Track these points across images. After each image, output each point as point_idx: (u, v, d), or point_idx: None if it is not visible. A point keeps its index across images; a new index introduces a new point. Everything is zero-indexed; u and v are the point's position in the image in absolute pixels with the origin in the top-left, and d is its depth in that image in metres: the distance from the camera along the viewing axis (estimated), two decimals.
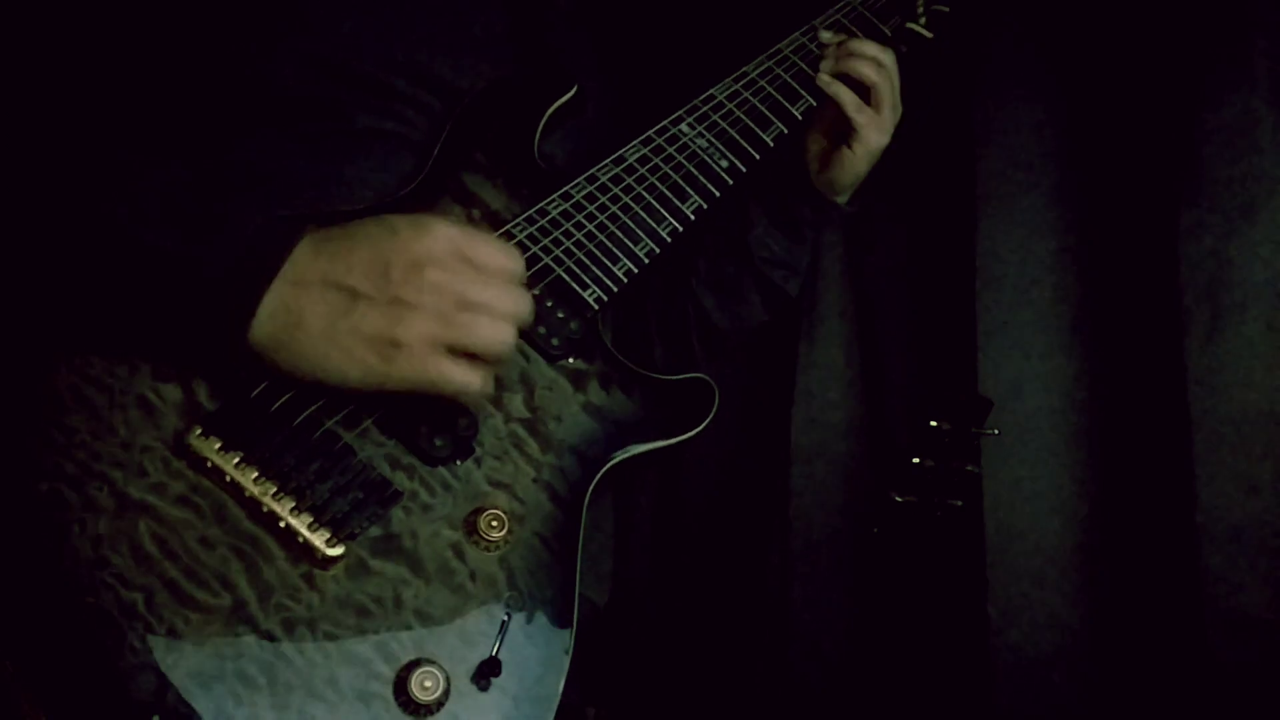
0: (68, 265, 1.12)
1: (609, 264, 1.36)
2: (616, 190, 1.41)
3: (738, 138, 1.50)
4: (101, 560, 1.04)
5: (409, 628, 1.12)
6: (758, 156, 1.50)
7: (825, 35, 1.57)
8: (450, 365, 1.12)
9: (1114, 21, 1.90)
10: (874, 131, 1.52)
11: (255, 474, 1.11)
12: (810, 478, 2.07)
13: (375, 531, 1.15)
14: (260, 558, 1.10)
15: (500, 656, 1.13)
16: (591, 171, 1.41)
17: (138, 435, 1.10)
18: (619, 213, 1.40)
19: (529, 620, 1.17)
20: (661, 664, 2.12)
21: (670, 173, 1.45)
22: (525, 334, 1.28)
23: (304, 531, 1.10)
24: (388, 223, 1.14)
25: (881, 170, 1.59)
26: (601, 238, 1.37)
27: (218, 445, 1.11)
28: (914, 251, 2.10)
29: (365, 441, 1.18)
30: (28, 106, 1.22)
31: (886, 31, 1.63)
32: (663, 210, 1.42)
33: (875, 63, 1.51)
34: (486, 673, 1.12)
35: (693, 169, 1.46)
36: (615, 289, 1.35)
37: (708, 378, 1.36)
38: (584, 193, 1.39)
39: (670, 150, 1.46)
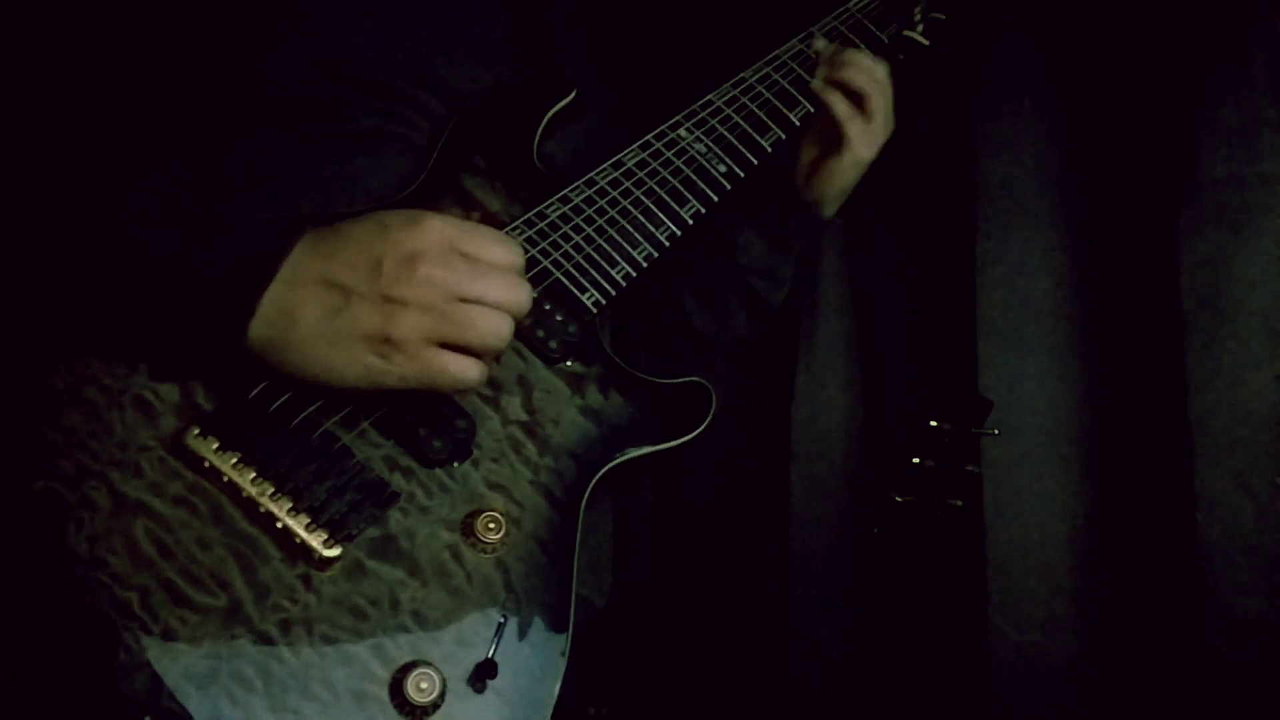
0: (67, 265, 1.12)
1: (607, 268, 1.36)
2: (615, 194, 1.41)
3: (736, 143, 1.50)
4: (97, 559, 1.04)
5: (405, 629, 1.12)
6: (756, 162, 1.50)
7: (819, 44, 1.57)
8: (445, 360, 1.12)
9: (1114, 22, 1.90)
10: (864, 143, 1.52)
11: (253, 474, 1.11)
12: (810, 478, 2.07)
13: (372, 533, 1.15)
14: (257, 558, 1.10)
15: (496, 659, 1.13)
16: (590, 175, 1.41)
17: (135, 435, 1.11)
18: (617, 216, 1.40)
19: (525, 623, 1.17)
20: (661, 664, 2.12)
21: (669, 177, 1.45)
22: (523, 336, 1.29)
23: (301, 532, 1.11)
24: (380, 219, 1.15)
25: (874, 179, 1.59)
26: (600, 241, 1.37)
27: (215, 445, 1.11)
28: (914, 252, 2.10)
29: (363, 442, 1.18)
30: (28, 107, 1.22)
31: (884, 38, 1.63)
32: (661, 215, 1.42)
33: (869, 73, 1.51)
34: (482, 675, 1.12)
35: (691, 174, 1.46)
36: (613, 292, 1.35)
37: (705, 382, 1.36)
38: (583, 196, 1.39)
39: (669, 155, 1.46)
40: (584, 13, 1.61)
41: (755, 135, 1.51)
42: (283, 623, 1.08)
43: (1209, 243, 1.79)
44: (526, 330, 1.28)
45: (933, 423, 1.71)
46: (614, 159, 1.44)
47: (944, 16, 1.68)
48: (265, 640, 1.07)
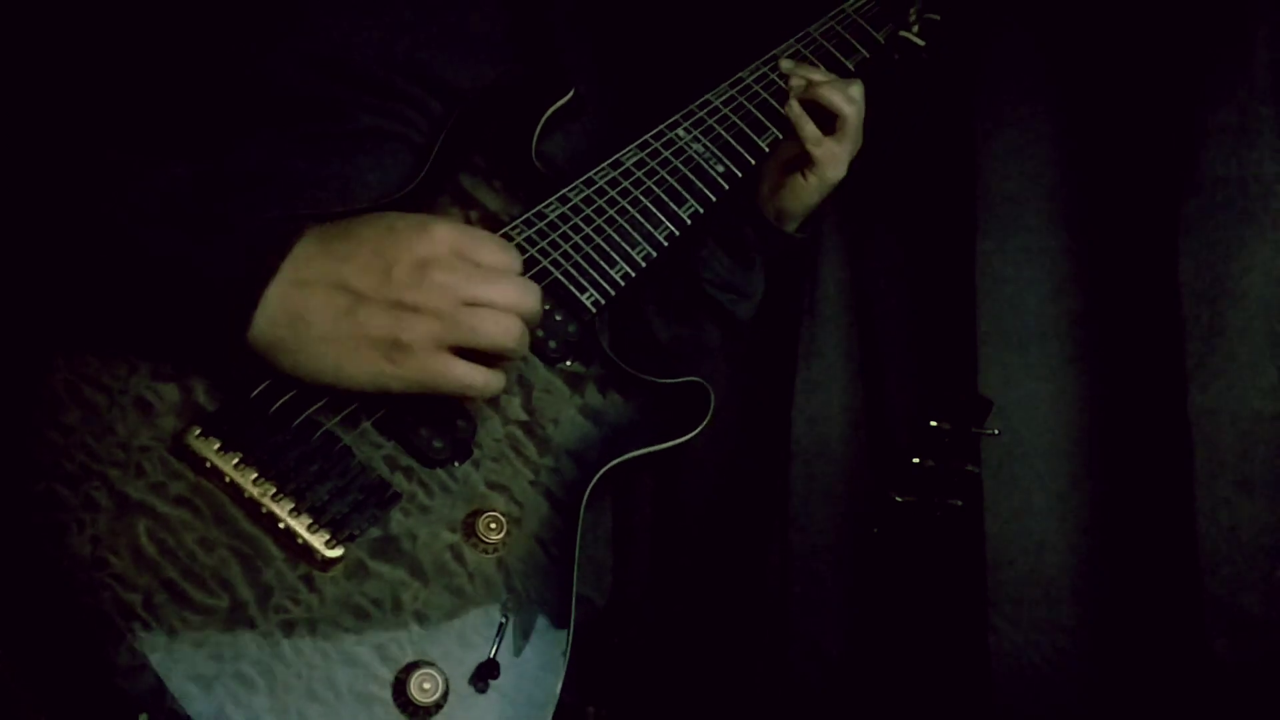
0: (68, 265, 1.11)
1: (606, 267, 1.36)
2: (614, 194, 1.41)
3: (733, 143, 1.50)
4: (99, 560, 1.04)
5: (408, 629, 1.12)
6: (753, 161, 1.50)
7: (786, 64, 1.56)
8: (455, 365, 1.12)
9: (1114, 22, 1.90)
10: (830, 164, 1.52)
11: (254, 475, 1.11)
12: (810, 477, 2.08)
13: (374, 533, 1.15)
14: (259, 559, 1.10)
15: (498, 659, 1.13)
16: (589, 175, 1.41)
17: (136, 435, 1.10)
18: (616, 216, 1.40)
19: (527, 622, 1.17)
20: (661, 664, 2.12)
21: (667, 177, 1.45)
22: None
23: (303, 533, 1.10)
24: (388, 222, 1.14)
25: (874, 180, 1.59)
26: (599, 241, 1.37)
27: (217, 445, 1.11)
28: (914, 252, 2.10)
29: (364, 443, 1.18)
30: (28, 107, 1.22)
31: (880, 39, 1.63)
32: (659, 214, 1.42)
33: (844, 93, 1.50)
34: (485, 675, 1.12)
35: (689, 173, 1.46)
36: (613, 292, 1.35)
37: (704, 382, 1.36)
38: (581, 196, 1.39)
39: (667, 155, 1.46)
40: (584, 13, 1.60)
41: (752, 135, 1.51)
42: (286, 623, 1.08)
43: (1209, 243, 1.79)
44: (535, 321, 1.28)
45: (933, 423, 1.71)
46: (612, 159, 1.44)
47: (939, 17, 1.69)
48: (268, 641, 1.07)
